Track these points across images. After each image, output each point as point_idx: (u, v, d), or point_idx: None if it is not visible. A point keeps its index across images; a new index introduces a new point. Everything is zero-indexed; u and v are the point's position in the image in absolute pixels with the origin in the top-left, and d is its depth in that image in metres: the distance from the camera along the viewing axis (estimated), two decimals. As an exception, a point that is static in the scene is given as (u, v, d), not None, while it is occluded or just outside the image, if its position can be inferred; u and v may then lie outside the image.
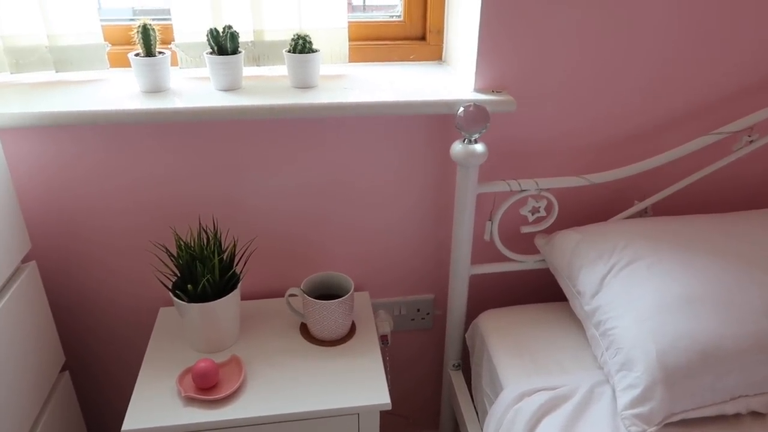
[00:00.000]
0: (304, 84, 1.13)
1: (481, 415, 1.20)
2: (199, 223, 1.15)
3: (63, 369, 1.18)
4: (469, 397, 1.26)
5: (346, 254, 1.27)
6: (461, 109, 1.04)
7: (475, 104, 1.05)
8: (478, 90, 1.12)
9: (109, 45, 1.13)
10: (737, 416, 0.95)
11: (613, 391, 0.97)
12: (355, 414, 1.02)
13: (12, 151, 1.08)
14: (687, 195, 1.27)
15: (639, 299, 0.98)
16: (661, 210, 1.26)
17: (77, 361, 1.29)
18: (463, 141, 1.07)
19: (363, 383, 1.04)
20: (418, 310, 1.35)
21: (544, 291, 1.32)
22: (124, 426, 0.96)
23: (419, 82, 1.17)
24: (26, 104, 1.02)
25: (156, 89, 1.10)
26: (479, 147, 1.07)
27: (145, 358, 1.09)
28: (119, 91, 1.10)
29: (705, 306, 0.95)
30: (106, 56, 1.13)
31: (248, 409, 0.99)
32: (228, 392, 1.00)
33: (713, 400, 0.92)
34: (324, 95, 1.09)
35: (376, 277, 1.30)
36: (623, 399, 0.92)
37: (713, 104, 1.21)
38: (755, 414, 0.95)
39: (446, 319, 1.29)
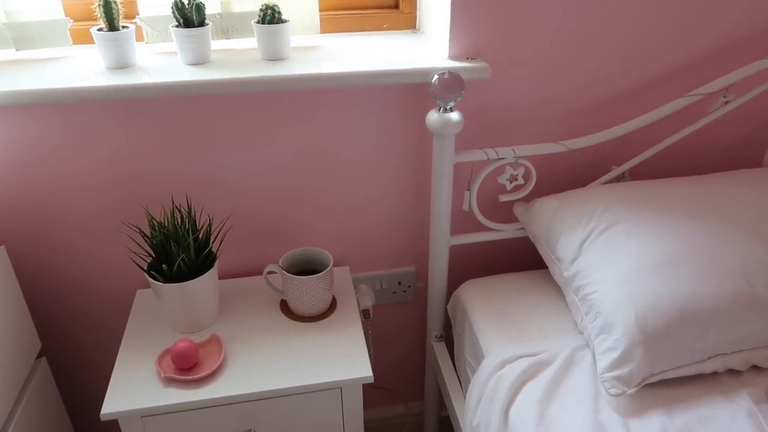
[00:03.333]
0: (274, 56, 1.10)
1: (464, 384, 1.20)
2: (172, 202, 1.13)
3: (40, 355, 1.16)
4: (452, 367, 1.27)
5: (325, 229, 1.25)
6: (435, 77, 1.03)
7: (449, 72, 1.03)
8: (452, 57, 1.10)
9: (71, 21, 1.08)
10: (714, 374, 0.96)
11: (593, 355, 0.98)
12: (338, 388, 1.02)
13: (-27, 134, 1.04)
14: (664, 159, 1.27)
15: (618, 263, 0.98)
16: (638, 175, 1.26)
17: (54, 346, 1.27)
18: (439, 110, 1.06)
19: (345, 357, 1.04)
20: (400, 283, 1.35)
21: (524, 260, 1.32)
22: (104, 409, 0.95)
23: (393, 51, 1.14)
24: (-15, 84, 0.98)
25: (121, 65, 1.06)
26: (455, 115, 1.06)
27: (123, 341, 1.08)
28: (83, 68, 1.06)
29: (684, 267, 0.95)
30: (68, 32, 1.08)
31: (230, 387, 0.98)
32: (208, 371, 0.99)
33: (691, 360, 0.93)
34: (295, 67, 1.06)
35: (356, 252, 1.29)
36: (603, 362, 0.93)
37: (690, 67, 1.20)
38: (732, 372, 0.96)
39: (428, 291, 1.28)
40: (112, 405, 0.95)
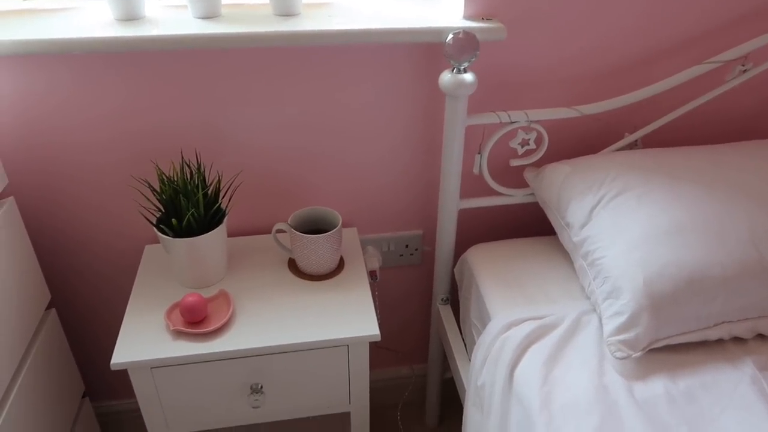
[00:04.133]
0: (286, 12, 1.08)
1: (469, 346, 1.22)
2: (182, 157, 1.12)
3: (49, 307, 1.17)
4: (458, 330, 1.28)
5: (334, 190, 1.25)
6: (450, 36, 1.01)
7: (464, 31, 1.01)
8: (467, 17, 1.08)
9: (79, -31, 1.07)
10: (720, 341, 0.96)
11: (600, 320, 0.98)
12: (345, 345, 1.03)
13: (-18, 83, 1.03)
14: (678, 127, 1.26)
15: (628, 229, 0.98)
16: (651, 143, 1.25)
17: (63, 299, 1.28)
18: (452, 70, 1.04)
19: (352, 315, 1.04)
20: (407, 246, 1.35)
21: (532, 225, 1.32)
22: (114, 359, 0.96)
23: (406, 9, 1.12)
24: (-7, 31, 0.97)
25: (131, 17, 1.04)
26: (468, 76, 1.04)
27: (132, 294, 1.09)
28: (92, 19, 1.05)
29: (693, 235, 0.95)
30: (77, -19, 1.07)
31: (238, 342, 0.99)
32: (217, 325, 1.00)
33: (697, 326, 0.94)
34: (307, 23, 1.04)
35: (365, 213, 1.29)
36: (609, 326, 0.93)
37: (707, 33, 1.18)
38: (737, 339, 0.97)
39: (435, 254, 1.29)
40: (122, 355, 0.96)
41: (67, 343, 1.23)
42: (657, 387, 0.89)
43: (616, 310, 0.93)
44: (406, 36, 1.05)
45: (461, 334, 1.27)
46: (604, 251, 0.99)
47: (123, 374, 1.32)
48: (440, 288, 1.31)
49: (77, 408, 1.24)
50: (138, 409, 1.15)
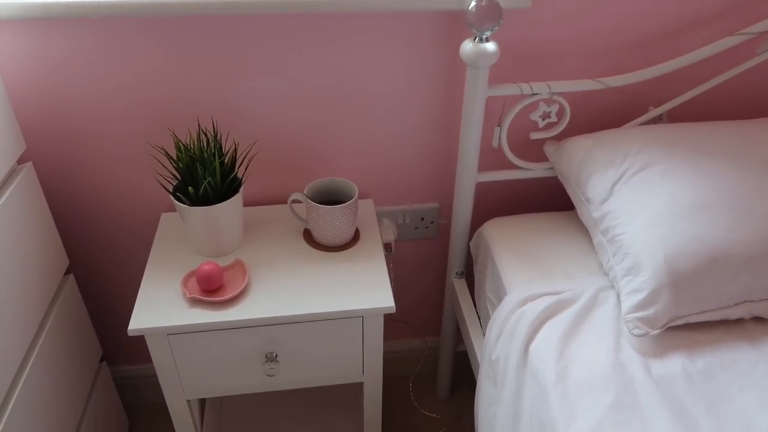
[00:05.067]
0: (305, -24, 1.06)
1: (483, 320, 1.21)
2: (198, 126, 1.11)
3: (67, 273, 1.18)
4: (472, 303, 1.28)
5: (350, 161, 1.24)
6: (473, 3, 0.98)
7: (487, -2, 0.98)
8: (491, -16, 1.05)
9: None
10: (740, 321, 0.95)
11: (618, 296, 0.97)
12: (360, 317, 1.03)
13: (0, 47, 1.03)
14: (705, 102, 1.22)
15: (650, 205, 0.96)
16: (677, 117, 1.22)
17: (81, 265, 1.29)
18: (474, 39, 1.02)
19: (367, 287, 1.04)
20: (422, 219, 1.34)
21: (550, 201, 1.30)
22: (131, 325, 0.97)
23: (428, -25, 1.09)
24: (10, -6, 0.96)
25: (148, -20, 1.03)
26: (490, 46, 1.01)
27: (148, 262, 1.09)
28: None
29: (718, 211, 0.93)
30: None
31: (253, 311, 0.99)
32: (233, 294, 1.00)
33: (719, 305, 0.92)
34: (327, -12, 1.02)
35: (381, 185, 1.28)
36: (628, 302, 0.92)
37: (739, 3, 1.13)
38: (758, 319, 0.96)
39: (450, 227, 1.28)
40: (139, 321, 0.97)
41: (85, 308, 1.24)
42: (674, 365, 0.88)
43: (635, 287, 0.92)
44: (428, 3, 1.02)
45: (475, 307, 1.26)
46: (625, 227, 0.97)
47: (140, 340, 1.34)
48: (455, 261, 1.31)
49: (95, 372, 1.26)
50: (154, 374, 1.18)
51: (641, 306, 0.91)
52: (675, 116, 1.22)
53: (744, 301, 0.93)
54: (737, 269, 0.90)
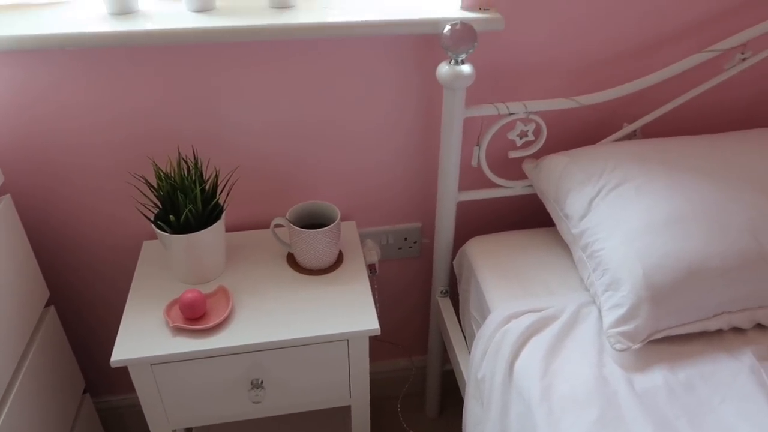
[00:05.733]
0: (281, 4, 1.07)
1: (468, 338, 1.22)
2: (179, 153, 1.11)
3: (48, 304, 1.17)
4: (457, 322, 1.28)
5: (332, 184, 1.25)
6: (447, 27, 1.00)
7: (461, 22, 1.00)
8: (464, 8, 1.08)
9: (71, -37, 1.05)
10: (719, 332, 0.97)
11: (599, 311, 0.98)
12: (345, 340, 1.03)
13: (-25, 80, 1.03)
14: (677, 117, 1.25)
15: (627, 220, 0.98)
16: (650, 133, 1.24)
17: (62, 296, 1.28)
18: (450, 62, 1.04)
19: (352, 309, 1.04)
20: (406, 239, 1.35)
21: (531, 218, 1.32)
22: (114, 356, 0.96)
23: (403, 1, 1.11)
24: (-14, 28, 0.96)
25: (124, 11, 1.04)
26: (466, 68, 1.03)
27: (130, 291, 1.08)
28: (85, 13, 1.04)
29: (693, 225, 0.95)
30: (69, -24, 1.05)
31: (237, 337, 0.99)
32: (217, 321, 1.00)
33: (697, 317, 0.94)
34: (302, 15, 1.03)
35: (363, 207, 1.29)
36: (609, 317, 0.93)
37: (706, 21, 1.17)
38: (736, 330, 0.97)
39: (434, 246, 1.28)
40: (121, 352, 0.96)
41: (67, 339, 1.22)
42: (656, 378, 0.89)
43: (615, 302, 0.93)
44: (403, 28, 1.04)
45: (461, 326, 1.27)
46: (603, 243, 0.99)
47: (123, 370, 1.31)
48: (439, 280, 1.31)
49: (78, 404, 1.25)
50: (138, 404, 1.16)
51: (622, 321, 0.92)
52: (649, 131, 1.24)
53: (722, 312, 0.95)
54: (714, 281, 0.92)
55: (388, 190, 1.28)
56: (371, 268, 1.28)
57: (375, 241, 1.33)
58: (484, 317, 1.09)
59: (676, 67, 1.14)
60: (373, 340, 1.22)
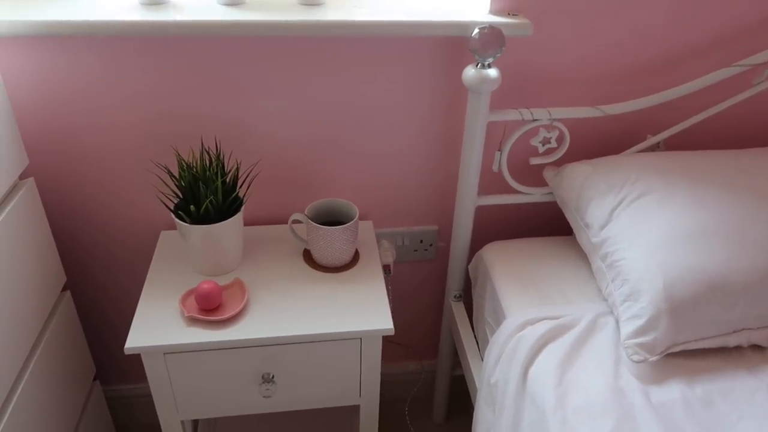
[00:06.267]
0: (310, 1, 1.08)
1: (481, 344, 1.21)
2: (201, 144, 1.12)
3: (64, 289, 1.18)
4: (470, 327, 1.27)
5: (351, 182, 1.25)
6: (476, 31, 1.00)
7: (490, 26, 1.00)
8: (493, 12, 1.07)
9: (105, -48, 1.06)
10: (738, 348, 0.95)
11: (617, 322, 0.97)
12: (358, 338, 1.02)
13: (6, 63, 1.03)
14: (702, 130, 1.24)
15: (649, 232, 0.97)
16: (674, 145, 1.23)
17: (78, 282, 1.29)
18: (476, 65, 1.03)
19: (366, 308, 1.04)
20: (422, 241, 1.34)
21: (549, 225, 1.31)
22: (128, 344, 0.96)
23: (432, 2, 1.11)
24: (18, 12, 0.97)
25: (155, 1, 1.04)
26: (493, 72, 1.03)
27: (147, 280, 1.09)
28: (116, 2, 1.05)
29: (715, 239, 0.94)
30: (102, -36, 1.06)
31: (251, 331, 0.99)
32: (231, 314, 1.00)
33: (717, 332, 0.93)
34: (331, 13, 1.04)
35: (380, 207, 1.29)
36: (627, 328, 0.92)
37: (735, 35, 1.16)
38: (756, 347, 0.96)
39: (449, 250, 1.28)
40: (135, 340, 0.97)
41: (81, 325, 1.23)
42: (673, 391, 0.88)
43: (634, 313, 0.92)
44: (432, 29, 1.04)
45: (473, 331, 1.26)
46: (624, 253, 0.98)
47: (134, 359, 1.32)
48: (453, 284, 1.31)
49: (88, 390, 1.25)
50: (147, 394, 1.16)
51: (640, 332, 0.91)
52: (673, 144, 1.23)
53: (742, 329, 0.94)
54: (735, 297, 0.91)
55: (407, 191, 1.27)
56: (386, 268, 1.28)
57: (391, 242, 1.32)
58: (498, 323, 1.08)
59: (703, 81, 1.14)
60: (384, 341, 1.21)
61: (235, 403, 1.07)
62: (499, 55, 1.01)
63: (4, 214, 0.95)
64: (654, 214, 0.99)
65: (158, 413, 1.06)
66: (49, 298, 1.10)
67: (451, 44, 1.11)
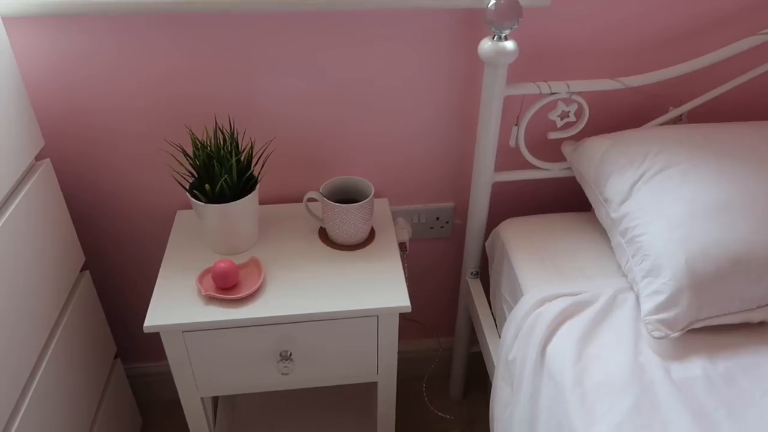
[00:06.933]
0: (322, -26, 1.06)
1: (498, 321, 1.20)
2: (215, 123, 1.11)
3: (83, 269, 1.19)
4: (487, 304, 1.27)
5: (366, 160, 1.23)
6: (492, 2, 0.97)
7: (507, -4, 0.97)
8: (510, -18, 1.04)
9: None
10: (762, 324, 0.94)
11: (637, 298, 0.96)
12: (375, 316, 1.02)
13: (20, 44, 1.03)
14: (726, 102, 1.21)
15: (671, 206, 0.95)
16: (696, 118, 1.20)
17: (97, 262, 1.30)
18: (493, 38, 1.01)
19: (382, 286, 1.03)
20: (438, 219, 1.33)
21: (566, 201, 1.29)
22: (147, 322, 0.97)
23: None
24: (30, -9, 0.97)
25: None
26: (510, 44, 1.01)
27: (164, 259, 1.09)
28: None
29: (740, 213, 0.91)
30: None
31: (268, 309, 0.99)
32: (248, 292, 1.00)
33: (740, 308, 0.91)
34: (344, -14, 1.02)
35: (396, 184, 1.28)
36: (648, 304, 0.91)
37: (761, 2, 1.12)
38: (780, 323, 0.94)
39: (466, 227, 1.27)
40: (154, 318, 0.97)
41: (100, 304, 1.24)
42: (695, 368, 0.87)
43: (655, 289, 0.91)
44: (446, 1, 1.02)
45: (490, 308, 1.25)
46: (645, 228, 0.96)
47: (154, 337, 1.34)
48: (470, 262, 1.30)
49: (109, 369, 1.27)
50: (168, 372, 1.18)
51: (661, 308, 0.89)
52: (695, 117, 1.20)
53: (766, 305, 0.92)
54: (760, 272, 0.89)
55: (422, 168, 1.26)
56: (402, 246, 1.27)
57: (407, 219, 1.32)
58: (516, 300, 1.07)
59: (729, 50, 1.10)
60: (402, 319, 1.22)
61: (254, 381, 1.08)
62: (516, 26, 0.99)
63: (21, 195, 0.96)
64: (676, 188, 0.97)
65: (178, 391, 1.07)
66: (68, 278, 1.11)
67: (467, 16, 1.09)
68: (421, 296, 1.46)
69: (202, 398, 1.09)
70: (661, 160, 1.01)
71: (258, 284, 1.01)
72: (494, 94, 1.06)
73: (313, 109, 1.16)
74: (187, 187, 1.06)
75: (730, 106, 1.22)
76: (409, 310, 1.00)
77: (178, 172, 1.19)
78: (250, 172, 1.07)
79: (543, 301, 1.00)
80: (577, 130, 1.15)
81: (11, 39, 1.02)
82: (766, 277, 0.89)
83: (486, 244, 1.27)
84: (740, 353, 0.89)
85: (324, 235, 1.15)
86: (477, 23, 1.09)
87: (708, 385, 0.84)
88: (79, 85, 1.08)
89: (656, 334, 0.89)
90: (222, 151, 1.03)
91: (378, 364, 1.09)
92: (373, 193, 1.10)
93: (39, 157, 1.06)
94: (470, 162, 1.26)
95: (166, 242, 1.14)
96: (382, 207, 1.23)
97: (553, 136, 1.17)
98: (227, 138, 1.05)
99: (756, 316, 0.92)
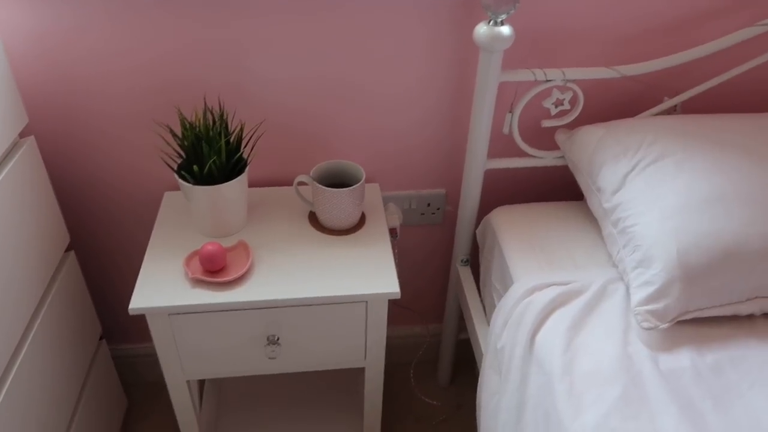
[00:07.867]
0: (317, -48, 1.03)
1: (488, 309, 1.20)
2: (204, 104, 1.09)
3: (68, 249, 1.17)
4: (477, 291, 1.26)
5: (357, 144, 1.22)
6: (489, -15, 0.96)
7: (504, -20, 0.95)
8: (507, -34, 1.02)
9: None
10: (750, 317, 0.94)
11: (627, 288, 0.96)
12: (364, 302, 1.02)
13: (3, 16, 1.00)
14: (721, 93, 1.20)
15: (664, 197, 0.94)
16: (691, 109, 1.20)
17: (82, 242, 1.28)
18: (489, 22, 0.99)
19: (372, 272, 1.03)
20: (429, 205, 1.32)
21: (559, 190, 1.29)
22: (132, 304, 0.95)
23: (443, -45, 1.06)
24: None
25: (155, -48, 1.00)
26: (506, 29, 0.99)
27: (150, 241, 1.07)
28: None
29: (734, 205, 0.91)
30: None
31: (256, 293, 0.98)
32: (236, 275, 0.99)
33: (730, 300, 0.91)
34: (339, -35, 0.99)
35: (387, 170, 1.26)
36: (638, 295, 0.91)
37: (761, -7, 1.11)
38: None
39: (457, 214, 1.26)
40: (140, 300, 0.96)
41: (86, 285, 1.23)
42: (683, 359, 0.87)
43: (646, 280, 0.91)
44: (442, -17, 1.00)
45: (480, 296, 1.25)
46: (637, 218, 0.95)
47: (139, 319, 1.32)
48: (461, 249, 1.29)
49: (94, 350, 1.25)
50: (153, 353, 1.17)
51: (651, 299, 0.89)
52: (690, 107, 1.19)
53: (756, 297, 0.92)
54: (752, 264, 0.89)
55: (414, 153, 1.25)
56: (392, 232, 1.26)
57: (398, 205, 1.30)
58: (506, 288, 1.07)
59: (725, 41, 1.09)
60: (391, 305, 1.21)
61: (240, 364, 1.07)
62: (512, 11, 0.97)
63: (5, 172, 0.94)
64: (670, 179, 0.96)
65: (164, 373, 1.06)
66: (52, 258, 1.09)
67: (463, 1, 1.07)
68: (410, 282, 1.45)
69: (188, 381, 1.08)
70: (656, 150, 1.01)
71: (246, 268, 1.00)
72: (489, 79, 1.05)
73: (305, 92, 1.14)
74: (175, 168, 1.04)
75: (726, 98, 1.22)
76: (399, 296, 1.00)
77: (166, 153, 1.16)
78: (240, 154, 1.05)
79: (533, 290, 0.99)
80: (572, 119, 1.14)
81: (-6, 11, 0.99)
82: (756, 270, 0.89)
83: (477, 231, 1.26)
84: (728, 345, 0.89)
85: (314, 219, 1.13)
86: (471, 8, 1.07)
87: (696, 376, 0.84)
88: (65, 63, 1.05)
89: (645, 324, 0.89)
90: (211, 132, 1.01)
91: (366, 350, 1.08)
92: (364, 177, 1.08)
93: (23, 134, 1.03)
94: (463, 148, 1.24)
95: (153, 223, 1.12)
96: (373, 192, 1.21)
97: (547, 123, 1.16)
98: (216, 119, 1.03)
99: (745, 309, 0.92)
